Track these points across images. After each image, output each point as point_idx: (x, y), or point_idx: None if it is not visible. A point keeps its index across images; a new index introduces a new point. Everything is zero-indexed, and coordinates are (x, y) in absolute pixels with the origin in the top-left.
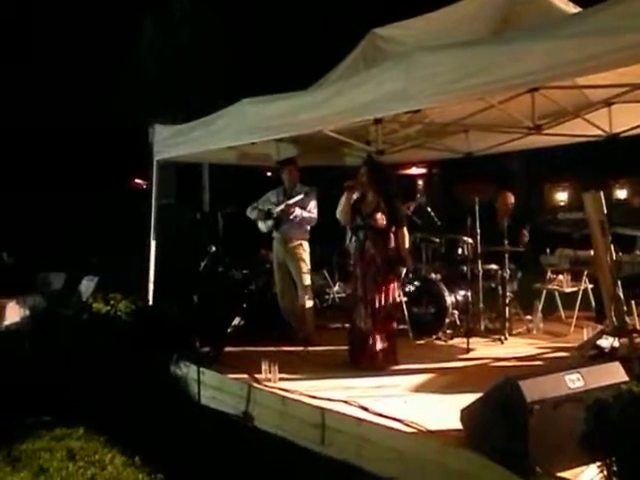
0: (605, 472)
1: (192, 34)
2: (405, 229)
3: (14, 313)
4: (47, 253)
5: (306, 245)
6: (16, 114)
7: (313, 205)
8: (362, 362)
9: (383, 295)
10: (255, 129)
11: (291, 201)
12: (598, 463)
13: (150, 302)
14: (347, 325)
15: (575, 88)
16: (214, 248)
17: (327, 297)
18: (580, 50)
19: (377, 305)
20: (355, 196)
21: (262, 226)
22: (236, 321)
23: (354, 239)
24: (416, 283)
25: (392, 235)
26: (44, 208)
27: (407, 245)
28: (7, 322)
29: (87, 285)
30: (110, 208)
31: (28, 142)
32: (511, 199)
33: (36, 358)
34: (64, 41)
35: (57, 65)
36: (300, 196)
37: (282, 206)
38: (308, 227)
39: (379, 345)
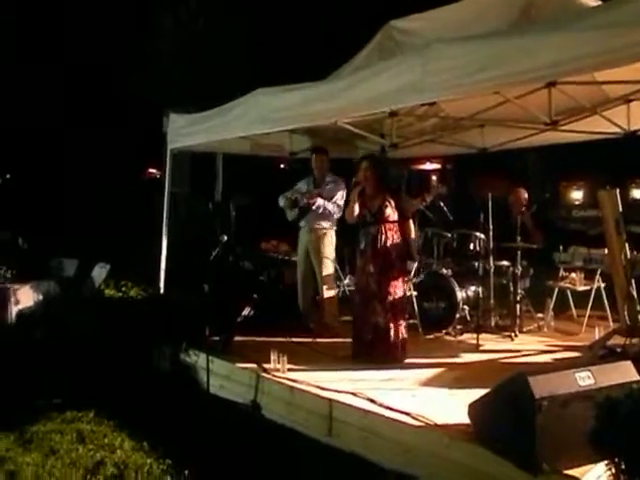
0: (613, 470)
1: (207, 24)
2: (410, 221)
3: (28, 298)
4: (61, 239)
5: (331, 235)
6: (32, 106)
7: (340, 196)
8: (380, 357)
9: (396, 289)
10: (268, 119)
11: (314, 191)
12: (606, 461)
13: (161, 290)
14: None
15: (593, 84)
16: (226, 238)
17: (337, 289)
18: (598, 44)
19: (392, 299)
20: (358, 189)
21: (289, 214)
22: (246, 311)
23: (362, 235)
24: (427, 278)
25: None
26: (59, 195)
27: (413, 236)
28: (21, 306)
29: (99, 272)
30: (124, 196)
31: (45, 132)
32: (524, 195)
33: (48, 342)
34: (78, 31)
35: (74, 57)
36: (327, 187)
37: (306, 195)
38: (335, 217)
39: (398, 339)
